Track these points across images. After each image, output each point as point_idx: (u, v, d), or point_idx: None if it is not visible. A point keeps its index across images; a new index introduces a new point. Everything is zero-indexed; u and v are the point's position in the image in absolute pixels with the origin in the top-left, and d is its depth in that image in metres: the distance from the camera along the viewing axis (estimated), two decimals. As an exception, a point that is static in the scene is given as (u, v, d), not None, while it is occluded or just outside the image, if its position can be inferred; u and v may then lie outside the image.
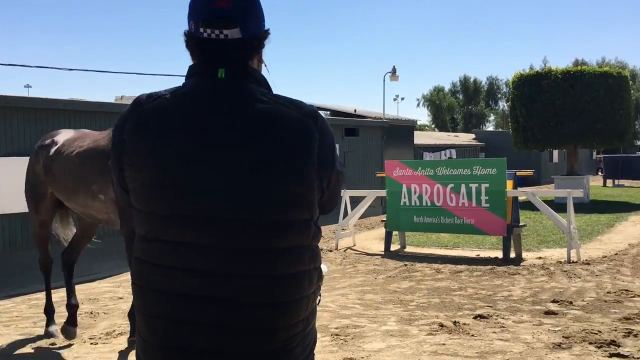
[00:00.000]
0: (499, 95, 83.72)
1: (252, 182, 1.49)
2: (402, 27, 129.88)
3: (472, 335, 5.31)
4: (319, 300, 1.73)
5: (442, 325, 5.64)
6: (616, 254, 9.60)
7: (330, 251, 10.56)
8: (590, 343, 4.94)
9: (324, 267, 1.71)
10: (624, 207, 17.35)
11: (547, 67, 20.52)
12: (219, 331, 1.49)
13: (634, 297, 6.66)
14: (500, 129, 56.98)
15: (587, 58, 73.75)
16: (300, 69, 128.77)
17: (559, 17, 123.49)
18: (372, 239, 12.05)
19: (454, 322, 5.74)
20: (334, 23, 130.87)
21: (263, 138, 1.49)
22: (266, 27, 1.65)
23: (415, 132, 26.50)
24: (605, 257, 9.29)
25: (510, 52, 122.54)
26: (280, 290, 1.51)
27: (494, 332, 5.40)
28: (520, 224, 9.72)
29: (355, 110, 23.14)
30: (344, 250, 10.72)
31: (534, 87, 18.74)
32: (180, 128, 1.52)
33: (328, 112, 21.41)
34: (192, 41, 1.61)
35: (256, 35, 1.62)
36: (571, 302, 6.45)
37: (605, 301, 6.50)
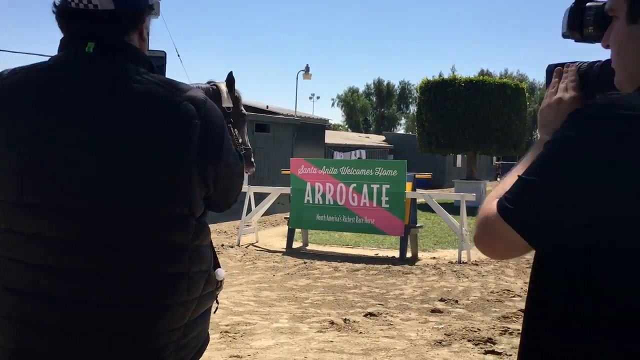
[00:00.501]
0: (411, 100, 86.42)
1: (112, 170, 1.33)
2: (320, 26, 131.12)
3: (360, 333, 5.44)
4: (216, 308, 1.61)
5: (332, 323, 5.74)
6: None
7: (232, 247, 10.48)
8: (469, 340, 5.19)
9: (219, 273, 1.55)
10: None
11: (453, 75, 21.42)
12: (69, 337, 1.35)
13: (514, 297, 7.07)
14: (410, 132, 58.84)
15: (491, 69, 77.79)
16: (212, 60, 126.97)
17: (467, 28, 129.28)
18: (276, 236, 12.07)
19: (345, 320, 5.85)
20: (249, 16, 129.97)
21: (128, 121, 1.34)
22: (151, 2, 1.49)
23: (327, 131, 26.90)
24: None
25: (423, 59, 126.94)
26: (144, 293, 1.36)
27: (381, 330, 5.56)
28: (418, 225, 10.08)
29: (267, 107, 23.10)
30: (246, 247, 10.67)
31: (440, 94, 19.49)
32: (38, 108, 1.36)
33: (239, 107, 21.23)
34: (59, 11, 1.44)
35: (133, 9, 1.44)
36: (457, 301, 6.76)
37: (487, 300, 6.86)
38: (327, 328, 5.60)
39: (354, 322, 5.82)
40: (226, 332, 5.40)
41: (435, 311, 6.32)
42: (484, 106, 18.81)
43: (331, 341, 5.17)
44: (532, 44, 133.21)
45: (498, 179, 39.35)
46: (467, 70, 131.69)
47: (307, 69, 23.82)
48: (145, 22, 1.50)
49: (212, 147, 1.41)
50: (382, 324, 5.80)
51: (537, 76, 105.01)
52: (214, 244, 1.65)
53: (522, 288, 7.52)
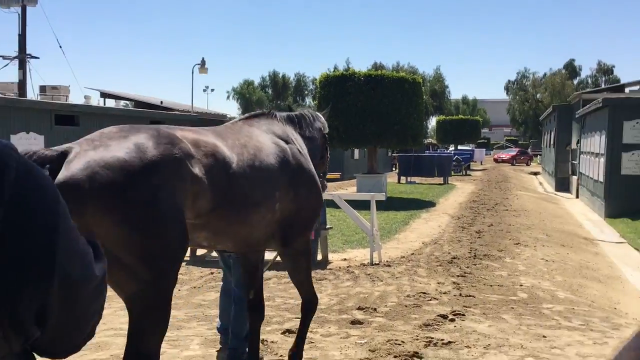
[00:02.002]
0: (306, 92, 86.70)
1: None
2: (212, 20, 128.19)
3: (281, 356, 5.05)
4: None
5: None
6: (412, 253, 10.14)
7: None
8: (395, 357, 4.95)
9: None
10: (416, 204, 18.74)
11: (352, 69, 21.41)
12: None
13: (430, 300, 6.97)
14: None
15: (384, 61, 79.56)
16: (101, 54, 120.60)
17: (360, 21, 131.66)
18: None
19: (262, 341, 5.43)
20: (141, 10, 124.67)
21: None
22: None
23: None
24: (404, 257, 9.76)
25: (317, 51, 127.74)
26: None
27: (303, 350, 5.19)
28: (327, 227, 9.81)
29: (161, 102, 21.98)
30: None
31: (339, 88, 19.39)
32: None
33: (131, 104, 20.02)
34: None
35: None
36: (375, 309, 6.54)
37: (405, 306, 6.69)
38: (244, 353, 5.14)
39: (272, 342, 5.42)
40: (131, 365, 4.80)
41: (355, 322, 6.05)
42: (383, 100, 18.94)
43: (250, 370, 4.72)
44: (420, 38, 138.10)
45: (394, 169, 40.54)
46: (362, 63, 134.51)
47: (202, 63, 22.94)
48: None
49: (29, 248, 0.88)
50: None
51: (426, 69, 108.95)
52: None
53: (436, 290, 7.46)
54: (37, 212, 0.88)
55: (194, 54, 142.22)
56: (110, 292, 2.75)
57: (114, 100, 25.54)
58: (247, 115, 4.28)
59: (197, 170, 3.02)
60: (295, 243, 4.04)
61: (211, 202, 3.13)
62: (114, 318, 5.79)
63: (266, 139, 3.82)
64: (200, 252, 10.02)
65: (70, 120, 15.15)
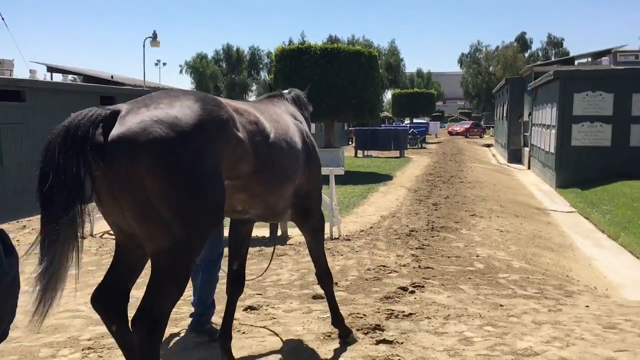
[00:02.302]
0: (261, 66, 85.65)
1: None
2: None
3: (244, 333, 5.02)
4: None
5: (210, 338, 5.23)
6: (371, 227, 10.22)
7: (84, 238, 9.45)
8: (358, 329, 4.99)
9: None
10: (373, 178, 18.87)
11: (307, 43, 21.20)
12: None
13: (390, 273, 7.04)
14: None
15: (340, 35, 79.24)
16: (46, 28, 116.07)
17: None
18: (133, 221, 11.15)
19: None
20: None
21: None
22: None
23: (178, 101, 25.55)
24: (363, 231, 9.82)
25: (271, 24, 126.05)
26: None
27: (265, 326, 5.18)
28: (286, 202, 9.76)
29: (112, 77, 21.32)
30: (101, 236, 9.70)
31: (295, 62, 19.20)
32: None
33: (80, 78, 19.36)
34: None
35: None
36: (336, 283, 6.53)
37: (366, 279, 6.74)
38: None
39: (235, 319, 5.37)
40: (89, 347, 4.70)
41: (316, 297, 6.06)
42: (339, 74, 18.86)
43: (213, 347, 4.68)
44: (375, 11, 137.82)
45: (350, 143, 40.65)
46: (317, 36, 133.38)
47: (154, 36, 22.26)
48: None
49: None
50: (264, 318, 5.42)
51: (381, 42, 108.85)
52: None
53: (396, 262, 7.54)
54: None
55: (146, 27, 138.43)
56: (69, 274, 2.62)
57: (61, 74, 24.66)
58: (266, 95, 4.70)
59: (241, 134, 3.20)
60: (314, 218, 4.38)
61: (252, 166, 3.33)
62: (71, 299, 5.64)
63: (288, 119, 4.13)
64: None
65: (15, 96, 14.54)
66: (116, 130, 2.69)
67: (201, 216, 2.86)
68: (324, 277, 4.75)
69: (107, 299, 3.15)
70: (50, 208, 2.57)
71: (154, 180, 2.69)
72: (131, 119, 2.74)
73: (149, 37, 22.72)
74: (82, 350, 4.64)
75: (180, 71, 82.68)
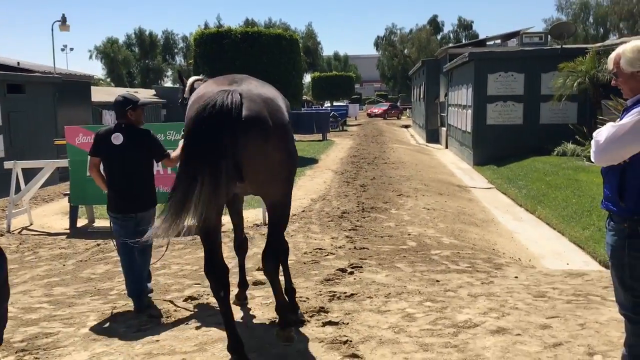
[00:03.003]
0: (176, 51, 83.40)
1: None
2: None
3: (187, 324, 4.92)
4: None
5: (151, 317, 5.11)
6: (303, 210, 10.26)
7: (1, 235, 8.93)
8: (304, 313, 5.02)
9: None
10: (300, 162, 18.90)
11: (227, 27, 20.80)
12: None
13: (327, 255, 7.11)
14: (178, 84, 56.77)
15: (256, 18, 78.37)
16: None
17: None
18: (53, 215, 10.63)
19: (164, 311, 5.26)
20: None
21: None
22: None
23: (91, 87, 24.47)
24: (295, 215, 9.83)
25: (186, 7, 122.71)
26: None
27: (210, 316, 5.10)
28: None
29: (18, 63, 20.08)
30: (19, 232, 9.19)
31: (216, 46, 18.82)
32: None
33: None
34: None
35: None
36: (275, 268, 6.55)
37: (304, 263, 6.78)
38: (146, 325, 4.95)
39: (176, 310, 5.27)
40: (23, 350, 4.46)
41: (257, 283, 6.04)
42: (261, 58, 18.66)
43: (157, 340, 4.57)
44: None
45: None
46: (233, 19, 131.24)
47: (63, 20, 21.06)
48: None
49: None
50: (206, 308, 5.34)
51: (298, 25, 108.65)
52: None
53: (332, 245, 7.62)
54: None
55: (50, 9, 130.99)
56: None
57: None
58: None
59: None
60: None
61: None
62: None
63: None
64: (80, 223, 9.46)
65: None
66: (249, 112, 3.57)
67: (294, 175, 4.21)
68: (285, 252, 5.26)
69: (219, 272, 4.04)
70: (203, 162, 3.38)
71: (281, 152, 3.78)
72: (256, 104, 3.66)
73: (57, 21, 21.50)
74: (16, 353, 4.40)
75: (90, 57, 79.21)
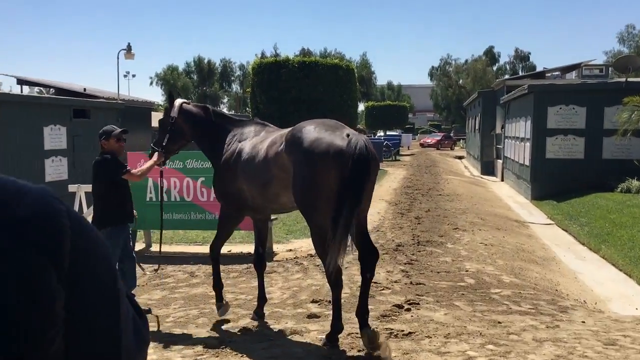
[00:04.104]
0: (233, 78, 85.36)
1: None
2: (134, 4, 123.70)
3: (241, 356, 4.87)
4: None
5: (207, 347, 5.08)
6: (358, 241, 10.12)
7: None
8: (359, 351, 4.89)
9: None
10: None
11: (285, 56, 21.15)
12: None
13: (382, 289, 6.96)
14: (233, 112, 57.86)
15: (312, 48, 79.51)
16: (16, 40, 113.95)
17: (286, 6, 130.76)
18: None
19: (219, 341, 5.23)
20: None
21: None
22: None
23: (152, 113, 25.23)
24: (349, 246, 9.71)
25: (244, 37, 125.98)
26: None
27: (263, 349, 5.04)
28: (272, 218, 9.63)
29: (84, 90, 20.93)
30: None
31: (273, 75, 19.14)
32: None
33: (52, 91, 18.92)
34: None
35: None
36: (329, 301, 6.44)
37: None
38: (202, 355, 4.93)
39: (230, 341, 5.23)
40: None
41: (311, 316, 5.95)
42: (317, 87, 18.86)
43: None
44: (347, 23, 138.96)
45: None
46: (289, 49, 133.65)
47: (129, 48, 21.93)
48: None
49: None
50: (261, 339, 5.28)
51: (353, 55, 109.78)
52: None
53: (387, 279, 7.47)
54: (100, 278, 0.76)
55: (116, 39, 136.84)
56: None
57: (32, 87, 24.10)
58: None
59: None
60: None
61: None
62: None
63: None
64: (138, 247, 9.62)
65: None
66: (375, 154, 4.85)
67: None
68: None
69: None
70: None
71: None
72: (339, 138, 4.63)
73: (123, 49, 22.40)
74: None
75: (151, 83, 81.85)
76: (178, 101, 6.02)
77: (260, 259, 5.95)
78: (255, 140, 5.43)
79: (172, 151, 6.10)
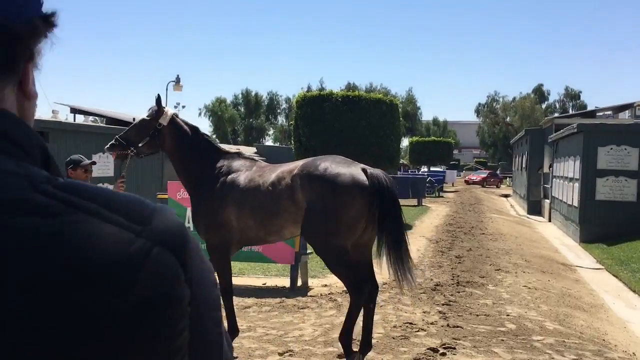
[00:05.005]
0: (279, 111, 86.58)
1: None
2: (184, 36, 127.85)
3: (268, 395, 4.72)
4: None
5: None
6: (394, 280, 9.88)
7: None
8: (389, 396, 4.68)
9: None
10: (393, 227, 18.53)
11: (329, 90, 21.27)
12: None
13: (417, 331, 6.72)
14: (278, 143, 58.45)
15: (357, 82, 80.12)
16: (70, 71, 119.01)
17: (333, 41, 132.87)
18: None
19: (246, 378, 5.10)
20: (113, 25, 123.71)
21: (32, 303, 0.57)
22: (47, 12, 0.71)
23: (197, 144, 25.65)
24: (386, 283, 9.48)
25: (290, 70, 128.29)
26: None
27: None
28: (308, 252, 9.52)
29: (134, 119, 21.46)
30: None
31: (317, 108, 19.21)
32: None
33: (102, 120, 19.48)
34: None
35: (13, 25, 0.66)
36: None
37: (393, 337, 6.43)
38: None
39: (257, 379, 5.09)
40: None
41: (342, 357, 5.75)
42: (361, 122, 18.81)
43: None
44: (393, 58, 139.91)
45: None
46: (335, 83, 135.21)
47: (177, 80, 22.50)
48: (33, 57, 0.71)
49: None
50: (288, 379, 5.13)
51: (398, 90, 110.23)
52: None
53: (423, 320, 7.22)
54: (211, 300, 0.71)
55: (166, 71, 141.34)
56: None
57: (84, 116, 24.91)
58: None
59: None
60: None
61: None
62: None
63: None
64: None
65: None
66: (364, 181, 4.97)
67: None
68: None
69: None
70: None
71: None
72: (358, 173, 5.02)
73: (172, 81, 23.00)
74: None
75: (199, 114, 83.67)
76: (170, 110, 5.79)
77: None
78: (251, 174, 5.39)
79: (141, 153, 5.68)
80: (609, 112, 30.10)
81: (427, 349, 5.98)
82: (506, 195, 42.73)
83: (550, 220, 24.77)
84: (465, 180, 59.61)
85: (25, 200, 0.56)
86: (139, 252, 0.59)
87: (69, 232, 0.56)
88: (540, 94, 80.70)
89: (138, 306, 0.57)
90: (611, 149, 17.75)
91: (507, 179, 57.81)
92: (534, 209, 29.05)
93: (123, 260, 0.57)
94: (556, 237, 19.94)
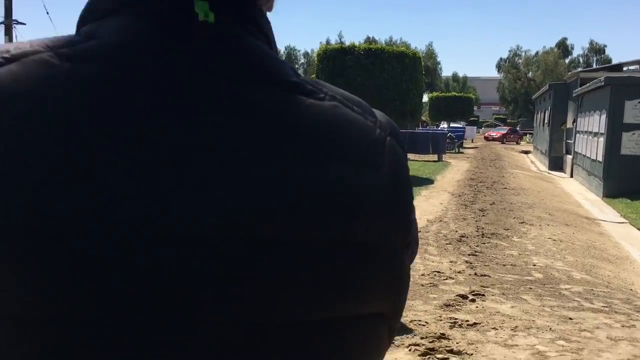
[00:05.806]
0: (297, 66, 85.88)
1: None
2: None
3: None
4: None
5: None
6: (419, 231, 9.94)
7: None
8: (422, 338, 4.78)
9: None
10: (414, 181, 18.55)
11: (351, 43, 20.99)
12: None
13: (446, 279, 6.81)
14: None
15: (377, 36, 78.93)
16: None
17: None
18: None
19: None
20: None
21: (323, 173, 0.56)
22: None
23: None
24: (411, 234, 9.58)
25: (308, 24, 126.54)
26: None
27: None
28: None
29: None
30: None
31: (338, 62, 19.01)
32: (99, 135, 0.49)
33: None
34: None
35: None
36: (392, 288, 6.37)
37: (422, 285, 6.53)
38: None
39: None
40: None
41: None
42: (383, 75, 18.61)
43: None
44: (413, 13, 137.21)
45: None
46: (354, 37, 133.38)
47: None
48: None
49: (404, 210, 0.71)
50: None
51: (419, 44, 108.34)
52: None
53: (450, 269, 7.30)
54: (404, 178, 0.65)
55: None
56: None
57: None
58: None
59: None
60: None
61: None
62: None
63: None
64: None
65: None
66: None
67: None
68: None
69: None
70: None
71: None
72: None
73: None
74: None
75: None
76: None
77: None
78: None
79: None
80: (636, 67, 29.40)
81: (457, 295, 6.07)
82: (526, 152, 42.35)
83: (572, 176, 24.57)
84: (484, 137, 59.11)
85: (301, 85, 0.58)
86: (381, 138, 0.62)
87: (339, 114, 0.60)
88: (564, 48, 78.96)
89: (388, 185, 0.59)
90: (638, 102, 17.41)
91: (527, 135, 57.22)
92: (556, 164, 28.80)
93: (372, 143, 0.60)
94: (579, 192, 19.82)
